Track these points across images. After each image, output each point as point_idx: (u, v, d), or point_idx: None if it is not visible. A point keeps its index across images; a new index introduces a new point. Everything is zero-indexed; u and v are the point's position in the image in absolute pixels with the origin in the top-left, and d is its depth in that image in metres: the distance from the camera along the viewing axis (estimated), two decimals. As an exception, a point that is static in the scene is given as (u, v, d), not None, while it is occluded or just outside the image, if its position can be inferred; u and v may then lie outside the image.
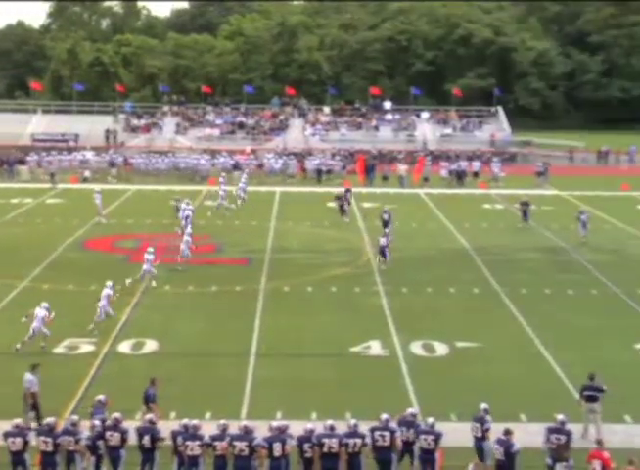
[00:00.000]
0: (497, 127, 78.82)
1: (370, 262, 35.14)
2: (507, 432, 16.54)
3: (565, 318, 27.79)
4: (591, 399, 18.90)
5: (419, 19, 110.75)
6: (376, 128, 77.71)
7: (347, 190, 46.42)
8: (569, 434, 16.80)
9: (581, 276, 33.45)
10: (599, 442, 16.47)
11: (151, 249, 31.29)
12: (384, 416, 16.86)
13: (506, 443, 16.36)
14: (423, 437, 16.64)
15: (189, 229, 35.72)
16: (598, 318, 27.84)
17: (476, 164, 62.94)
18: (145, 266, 30.59)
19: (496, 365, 23.43)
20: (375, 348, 24.72)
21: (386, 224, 38.87)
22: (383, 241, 34.31)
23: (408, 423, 17.04)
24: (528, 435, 18.08)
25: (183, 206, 40.37)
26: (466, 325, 26.89)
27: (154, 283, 30.77)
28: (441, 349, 24.66)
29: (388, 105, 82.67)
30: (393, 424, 16.82)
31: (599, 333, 26.32)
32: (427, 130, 77.68)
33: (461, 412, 19.52)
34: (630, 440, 18.61)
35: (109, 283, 26.54)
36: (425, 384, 21.91)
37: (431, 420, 16.87)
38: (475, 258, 36.36)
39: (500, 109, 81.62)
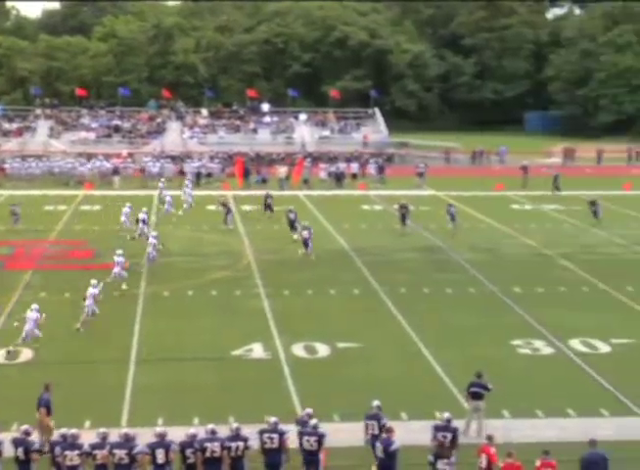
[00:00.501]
0: (374, 129, 79.84)
1: (250, 266, 35.11)
2: (388, 430, 16.74)
3: (444, 317, 28.33)
4: (476, 397, 19.31)
5: (295, 21, 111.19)
6: (254, 131, 77.68)
7: (268, 196, 45.87)
8: (454, 431, 17.13)
9: (459, 275, 34.16)
10: (489, 437, 16.83)
11: (120, 251, 31.40)
12: (272, 419, 16.87)
13: (386, 441, 16.55)
14: (306, 438, 16.69)
15: (152, 232, 36.48)
16: (476, 316, 28.47)
17: (354, 166, 63.83)
18: (115, 269, 30.63)
19: (377, 365, 23.70)
20: (257, 350, 24.70)
21: (292, 223, 40.13)
22: (305, 234, 36.42)
23: (304, 423, 17.12)
24: (410, 433, 18.36)
25: (141, 214, 40.27)
26: (347, 326, 27.13)
27: (124, 286, 30.62)
28: (323, 350, 24.81)
29: (265, 107, 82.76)
30: (282, 426, 16.84)
31: (477, 331, 26.92)
32: (305, 132, 78.08)
33: (344, 413, 19.67)
34: (509, 434, 19.08)
35: (94, 282, 27.03)
36: (307, 385, 22.01)
37: (314, 421, 16.94)
38: (354, 258, 36.72)
39: (377, 110, 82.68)
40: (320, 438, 16.68)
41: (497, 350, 25.07)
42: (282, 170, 59.78)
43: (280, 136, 77.14)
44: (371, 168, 64.47)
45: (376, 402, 17.69)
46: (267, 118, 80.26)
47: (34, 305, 24.83)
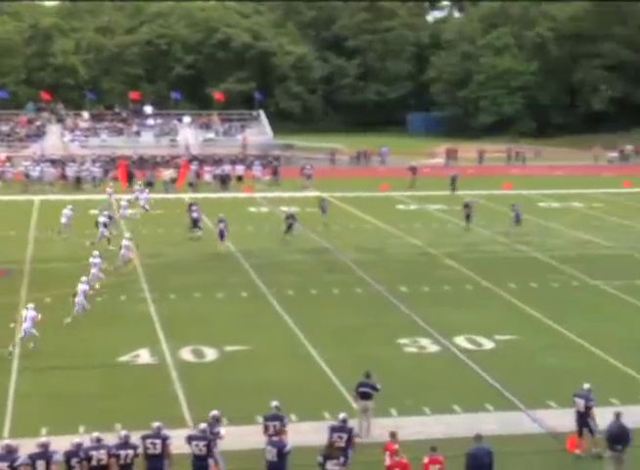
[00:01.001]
0: (259, 131, 79.80)
1: (136, 270, 34.64)
2: (279, 432, 16.72)
3: (331, 318, 28.49)
4: (365, 397, 19.47)
5: (177, 22, 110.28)
6: (137, 133, 76.70)
7: (192, 204, 44.38)
8: (350, 431, 17.23)
9: (346, 276, 34.43)
10: (393, 434, 16.99)
11: (96, 252, 32.25)
12: (155, 424, 16.67)
13: (279, 444, 16.55)
14: (194, 443, 16.54)
15: (126, 234, 37.25)
16: (363, 316, 28.74)
17: (239, 168, 63.73)
18: (93, 270, 30.99)
19: (266, 367, 23.69)
20: (144, 356, 24.40)
21: (196, 221, 41.53)
22: (221, 225, 38.45)
23: (211, 426, 17.02)
24: (299, 434, 18.40)
25: (101, 218, 39.93)
26: (235, 329, 27.04)
27: (97, 285, 30.88)
28: (211, 353, 24.68)
29: (148, 110, 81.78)
30: (166, 431, 16.65)
31: (364, 330, 27.18)
32: (189, 135, 77.50)
33: (232, 416, 19.57)
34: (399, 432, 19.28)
35: (84, 278, 28.21)
36: (195, 390, 21.84)
37: (202, 425, 16.82)
38: (242, 261, 36.63)
39: (262, 112, 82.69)
40: (209, 442, 16.55)
41: (384, 349, 25.35)
42: (167, 173, 59.22)
43: (164, 139, 76.37)
44: (257, 170, 64.49)
45: (274, 403, 17.70)
46: (150, 121, 79.35)
47: (30, 305, 25.38)
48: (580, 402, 18.67)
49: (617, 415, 17.69)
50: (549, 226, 45.76)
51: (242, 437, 18.12)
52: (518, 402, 21.31)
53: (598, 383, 20.06)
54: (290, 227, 41.66)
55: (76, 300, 27.59)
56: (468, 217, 44.74)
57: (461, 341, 26.04)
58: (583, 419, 18.50)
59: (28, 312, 25.12)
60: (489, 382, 22.74)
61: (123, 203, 46.11)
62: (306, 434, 18.10)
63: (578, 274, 34.83)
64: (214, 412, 17.37)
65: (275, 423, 17.37)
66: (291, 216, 42.09)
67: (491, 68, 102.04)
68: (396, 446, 16.61)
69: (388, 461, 16.48)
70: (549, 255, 38.64)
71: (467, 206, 45.03)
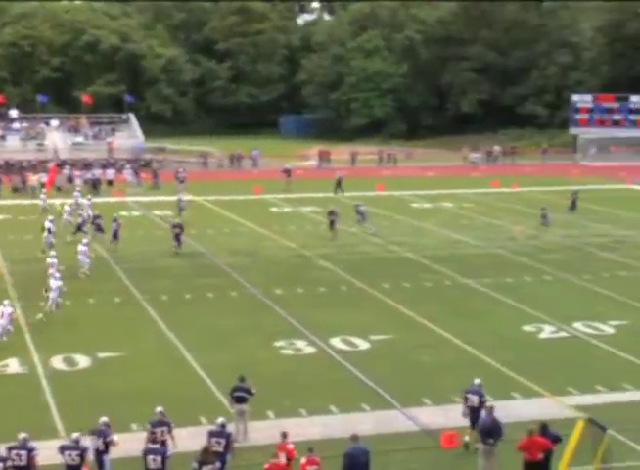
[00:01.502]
0: (130, 134, 78.67)
1: (3, 278, 33.71)
2: (162, 443, 16.63)
3: (206, 321, 28.35)
4: (240, 401, 19.42)
5: (42, 24, 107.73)
6: (2, 138, 74.59)
7: (97, 217, 42.42)
8: (229, 436, 17.14)
9: (221, 279, 34.31)
10: (284, 434, 16.95)
11: (85, 240, 35.23)
12: (21, 435, 16.32)
13: (161, 450, 16.43)
14: (67, 453, 16.21)
15: (84, 239, 36.56)
16: (238, 319, 28.68)
17: (110, 172, 62.74)
18: (80, 257, 33.65)
19: (140, 373, 23.39)
20: (13, 366, 23.78)
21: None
22: (114, 225, 39.13)
23: (99, 432, 16.79)
24: (176, 440, 18.19)
25: (47, 223, 39.35)
26: (108, 335, 26.62)
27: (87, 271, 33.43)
28: (83, 361, 24.22)
29: (14, 113, 79.62)
30: (33, 443, 16.26)
31: (240, 334, 27.13)
32: (57, 139, 75.77)
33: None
34: (274, 435, 19.23)
35: (57, 275, 29.26)
36: (67, 398, 21.40)
37: (75, 435, 16.49)
38: (114, 266, 36.09)
39: (132, 116, 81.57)
40: (82, 452, 16.25)
41: (260, 351, 25.36)
42: (35, 178, 57.84)
43: (30, 143, 74.47)
44: (127, 174, 63.63)
45: (159, 409, 17.51)
46: (16, 125, 77.33)
47: (6, 301, 26.14)
48: (474, 398, 19.02)
49: (490, 409, 18.15)
50: (421, 226, 46.62)
51: (118, 445, 17.79)
52: (393, 401, 21.63)
53: (470, 379, 20.51)
54: (178, 238, 39.15)
55: (50, 295, 28.54)
56: (332, 224, 43.30)
57: (336, 342, 26.26)
58: (477, 414, 18.85)
59: (6, 309, 25.79)
60: (365, 382, 23.00)
61: (67, 208, 45.06)
62: (183, 439, 17.94)
63: (450, 273, 35.60)
64: (104, 418, 17.08)
65: (162, 429, 17.20)
66: (178, 226, 39.65)
67: (362, 70, 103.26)
68: (291, 446, 16.64)
69: (283, 460, 16.39)
70: (421, 254, 39.36)
71: (331, 213, 43.80)
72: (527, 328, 27.97)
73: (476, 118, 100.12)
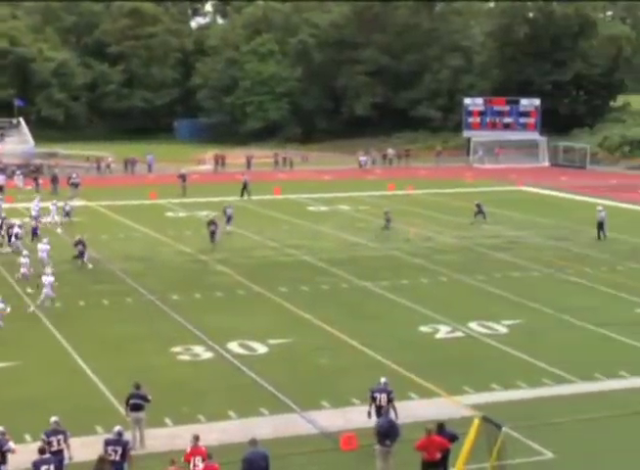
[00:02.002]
0: (20, 139, 76.95)
1: None
2: (58, 452, 16.35)
3: (101, 329, 27.91)
4: (136, 408, 19.14)
5: None
6: None
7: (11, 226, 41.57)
8: (125, 445, 16.89)
9: (116, 286, 33.83)
10: (196, 438, 16.76)
11: (45, 240, 36.93)
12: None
13: (54, 460, 16.12)
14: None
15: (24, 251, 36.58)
16: (134, 326, 28.32)
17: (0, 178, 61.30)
18: (41, 254, 35.67)
19: (34, 383, 22.88)
20: None
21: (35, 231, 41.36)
22: (80, 247, 37.49)
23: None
24: (72, 450, 17.84)
25: (16, 229, 39.99)
26: (0, 345, 25.99)
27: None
28: (-26, 373, 23.59)
29: None
30: None
31: (136, 340, 26.78)
32: (-57, 144, 73.66)
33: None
34: (172, 442, 19.15)
35: (48, 270, 30.74)
36: (-43, 413, 20.75)
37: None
38: (5, 274, 35.31)
39: (22, 120, 79.77)
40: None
41: (157, 358, 25.08)
42: None
43: None
44: (18, 180, 62.25)
45: (54, 418, 17.23)
46: None
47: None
48: (383, 396, 19.11)
49: (387, 411, 18.30)
50: (318, 230, 46.79)
51: (11, 456, 17.33)
52: (292, 405, 21.63)
53: (368, 381, 20.69)
54: (81, 256, 37.57)
55: (44, 291, 29.96)
56: (212, 235, 42.28)
57: (234, 346, 26.15)
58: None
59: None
60: (264, 386, 22.95)
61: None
62: (79, 449, 17.60)
63: (347, 276, 35.82)
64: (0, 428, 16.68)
65: (58, 438, 16.88)
66: (79, 242, 37.90)
67: (256, 74, 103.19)
68: (204, 449, 16.47)
69: (200, 466, 16.23)
70: (318, 258, 39.52)
71: (212, 223, 43.03)
72: (424, 329, 28.33)
73: (370, 122, 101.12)
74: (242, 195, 58.30)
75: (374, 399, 19.31)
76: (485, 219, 48.68)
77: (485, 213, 48.96)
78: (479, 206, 49.37)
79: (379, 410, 19.10)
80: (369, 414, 19.24)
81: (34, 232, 41.85)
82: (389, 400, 19.15)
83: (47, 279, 30.31)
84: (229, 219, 45.68)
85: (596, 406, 21.78)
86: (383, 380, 19.64)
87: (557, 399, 22.30)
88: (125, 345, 26.35)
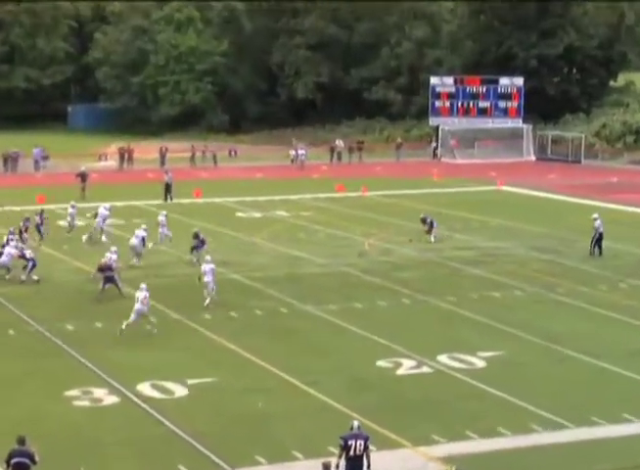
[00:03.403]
0: None
1: None
2: None
3: (-23, 368, 27.67)
4: (20, 468, 18.92)
5: None
6: None
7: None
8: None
9: (-5, 314, 33.59)
10: None
11: (114, 248, 37.94)
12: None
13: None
14: None
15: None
16: (19, 364, 28.08)
17: None
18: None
19: None
20: None
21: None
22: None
23: None
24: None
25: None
26: None
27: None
28: None
29: None
30: None
31: (21, 382, 26.54)
32: None
33: None
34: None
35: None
36: None
37: None
38: None
39: None
40: None
41: (48, 404, 24.86)
42: None
43: None
44: None
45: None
46: None
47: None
48: (359, 444, 19.13)
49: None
50: (250, 241, 46.77)
51: None
52: (219, 461, 21.57)
53: (315, 429, 20.73)
54: None
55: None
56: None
57: (145, 388, 26.03)
58: (359, 463, 19.00)
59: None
60: (183, 437, 22.87)
61: None
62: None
63: (287, 298, 35.86)
64: None
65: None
66: None
67: (172, 47, 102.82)
68: None
69: None
70: (251, 276, 39.53)
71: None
72: (382, 364, 28.46)
73: (314, 107, 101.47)
74: (165, 198, 58.15)
75: (347, 448, 19.17)
76: (433, 239, 46.79)
77: (434, 229, 46.97)
78: (425, 220, 47.44)
79: (354, 462, 19.07)
80: (337, 468, 19.10)
81: None
82: (365, 448, 19.16)
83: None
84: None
85: (594, 458, 22.04)
86: (355, 424, 19.59)
87: (547, 449, 22.51)
88: (6, 388, 26.11)
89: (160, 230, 44.96)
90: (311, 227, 50.79)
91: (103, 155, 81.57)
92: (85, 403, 25.13)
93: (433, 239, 46.80)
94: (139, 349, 29.64)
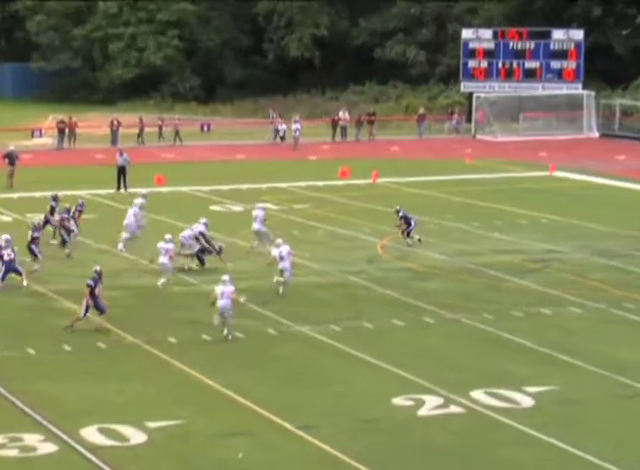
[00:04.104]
0: None
1: None
2: None
3: None
4: None
5: None
6: None
7: None
8: None
9: None
10: None
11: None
12: None
13: None
14: None
15: None
16: None
17: None
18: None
19: None
20: None
21: None
22: None
23: None
24: None
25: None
26: None
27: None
28: None
29: None
30: None
31: None
32: None
33: None
34: None
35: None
36: None
37: None
38: None
39: None
40: None
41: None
42: None
43: None
44: None
45: None
46: None
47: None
48: None
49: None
50: (228, 241, 46.70)
51: None
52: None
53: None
54: None
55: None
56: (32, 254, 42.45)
57: (92, 433, 26.01)
58: None
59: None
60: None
61: None
62: None
63: (275, 316, 35.87)
64: None
65: None
66: None
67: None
68: None
69: None
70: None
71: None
72: (399, 401, 28.43)
73: (311, 69, 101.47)
74: (119, 187, 58.19)
75: None
76: (412, 242, 46.29)
77: (411, 229, 46.18)
78: (399, 213, 46.53)
79: None
80: None
81: None
82: None
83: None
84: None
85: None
86: None
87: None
88: None
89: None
90: (307, 224, 50.80)
91: (36, 130, 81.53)
92: (13, 453, 25.07)
93: (409, 241, 46.30)
94: (83, 381, 29.62)
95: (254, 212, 45.35)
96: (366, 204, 55.56)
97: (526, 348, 33.10)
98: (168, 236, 39.58)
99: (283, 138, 79.78)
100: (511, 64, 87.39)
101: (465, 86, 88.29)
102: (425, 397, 28.76)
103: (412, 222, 46.46)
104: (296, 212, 53.68)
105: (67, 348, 32.61)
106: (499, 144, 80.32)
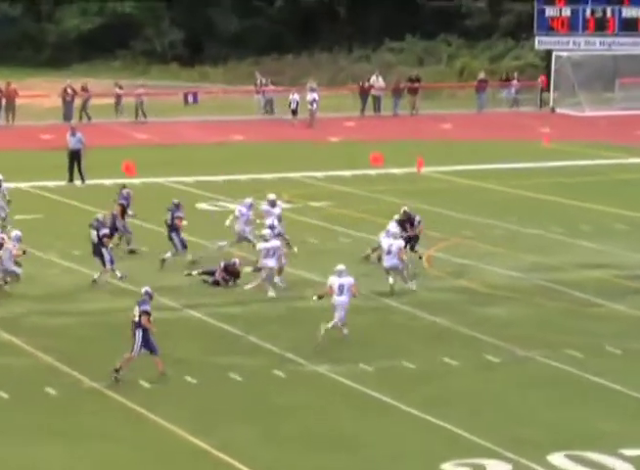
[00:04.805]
0: None
1: None
2: None
3: None
4: None
5: None
6: None
7: None
8: None
9: None
10: None
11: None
12: None
13: None
14: None
15: None
16: None
17: None
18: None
19: None
20: None
21: None
22: None
23: None
24: None
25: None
26: None
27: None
28: None
29: None
30: None
31: None
32: None
33: None
34: None
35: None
36: None
37: None
38: None
39: None
40: None
41: None
42: None
43: None
44: None
45: None
46: None
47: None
48: None
49: None
50: (224, 254, 46.80)
51: None
52: None
53: None
54: None
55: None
56: None
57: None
58: None
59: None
60: None
61: None
62: None
63: (284, 352, 35.99)
64: None
65: None
66: None
67: None
68: None
69: None
70: (225, 313, 39.93)
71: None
72: (451, 468, 28.42)
73: (333, 19, 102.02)
74: (71, 177, 58.29)
75: None
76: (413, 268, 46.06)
77: (416, 241, 46.22)
78: (407, 217, 46.46)
79: None
80: None
81: None
82: None
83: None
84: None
85: None
86: None
87: None
88: None
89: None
90: (328, 228, 50.91)
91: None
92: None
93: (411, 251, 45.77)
94: (27, 441, 29.65)
95: (237, 210, 45.49)
96: (407, 200, 55.42)
97: (624, 395, 33.07)
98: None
99: (295, 112, 79.66)
100: (604, 11, 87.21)
101: (541, 42, 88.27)
102: (486, 461, 28.75)
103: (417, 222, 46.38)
104: (312, 213, 53.77)
105: (2, 395, 32.66)
106: (587, 120, 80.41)
